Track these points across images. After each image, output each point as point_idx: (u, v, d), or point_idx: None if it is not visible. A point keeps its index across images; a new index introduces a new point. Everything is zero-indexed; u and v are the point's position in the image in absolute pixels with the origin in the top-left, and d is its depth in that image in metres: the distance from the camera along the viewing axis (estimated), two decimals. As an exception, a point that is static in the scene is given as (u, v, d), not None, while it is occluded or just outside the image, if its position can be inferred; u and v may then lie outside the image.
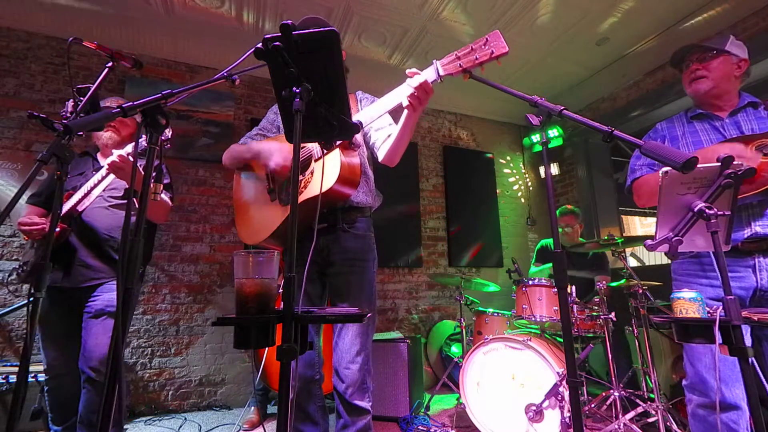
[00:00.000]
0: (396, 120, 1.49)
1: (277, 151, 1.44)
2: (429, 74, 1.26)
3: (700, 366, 1.31)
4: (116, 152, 1.53)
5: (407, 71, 1.28)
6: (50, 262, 1.65)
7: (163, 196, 1.77)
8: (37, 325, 1.66)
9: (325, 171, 1.34)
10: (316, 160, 1.41)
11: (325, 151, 1.39)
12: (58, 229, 1.63)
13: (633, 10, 3.13)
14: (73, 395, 1.61)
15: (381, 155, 1.54)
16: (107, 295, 1.65)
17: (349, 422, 1.40)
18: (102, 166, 1.69)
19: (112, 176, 1.61)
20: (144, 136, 1.47)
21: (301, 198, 1.38)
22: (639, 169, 1.56)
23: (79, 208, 1.68)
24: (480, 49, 1.17)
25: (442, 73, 1.25)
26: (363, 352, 1.44)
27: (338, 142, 1.36)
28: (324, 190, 1.30)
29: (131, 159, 1.51)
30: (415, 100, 1.27)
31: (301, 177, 1.43)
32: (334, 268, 1.49)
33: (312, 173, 1.40)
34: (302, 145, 1.46)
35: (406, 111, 1.36)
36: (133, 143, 1.54)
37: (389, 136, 1.51)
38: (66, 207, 1.67)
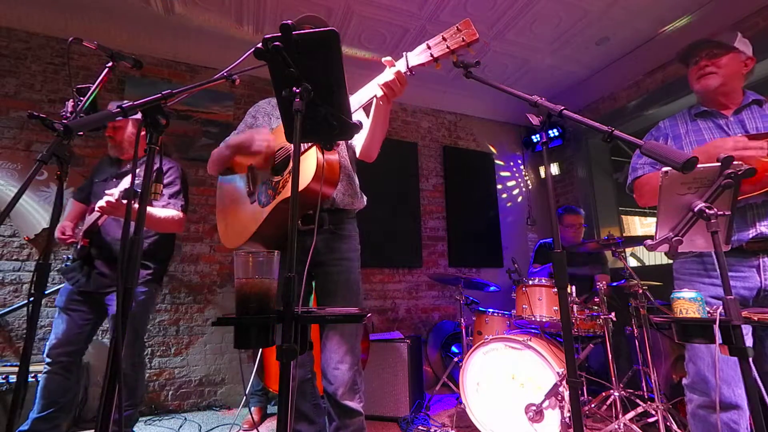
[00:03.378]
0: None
1: (255, 136, 1.43)
2: (401, 66, 1.27)
3: (702, 365, 1.31)
4: (106, 197, 1.57)
5: (383, 60, 1.28)
6: (77, 267, 1.85)
7: (169, 211, 1.83)
8: (61, 314, 1.81)
9: (301, 169, 1.32)
10: None
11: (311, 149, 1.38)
12: (82, 243, 1.82)
13: (633, 9, 3.14)
14: (59, 386, 1.74)
15: (358, 150, 1.55)
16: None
17: (342, 425, 1.37)
18: (122, 172, 1.89)
19: (123, 186, 1.67)
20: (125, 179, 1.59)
21: (280, 198, 1.37)
22: (641, 168, 1.55)
23: (100, 222, 1.81)
24: (451, 37, 1.18)
25: (412, 63, 1.25)
26: (352, 351, 1.40)
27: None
28: (300, 189, 1.28)
29: (123, 202, 1.56)
30: (388, 89, 1.27)
31: (279, 177, 1.43)
32: (322, 268, 1.48)
33: (290, 172, 1.38)
34: (280, 145, 1.47)
35: (375, 103, 1.36)
36: (128, 180, 1.61)
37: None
38: (87, 224, 1.83)
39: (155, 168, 0.97)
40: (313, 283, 1.54)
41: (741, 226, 1.32)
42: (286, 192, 1.36)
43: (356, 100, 1.37)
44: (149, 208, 1.71)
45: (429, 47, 1.22)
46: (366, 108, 1.41)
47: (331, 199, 1.49)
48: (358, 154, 1.56)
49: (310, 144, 1.34)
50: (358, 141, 1.54)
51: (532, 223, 4.73)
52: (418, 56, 1.25)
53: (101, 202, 1.57)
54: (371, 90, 1.33)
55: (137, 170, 1.57)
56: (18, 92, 2.96)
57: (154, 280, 1.93)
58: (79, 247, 1.83)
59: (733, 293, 0.95)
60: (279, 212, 1.40)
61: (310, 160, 1.33)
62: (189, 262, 3.17)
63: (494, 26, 3.31)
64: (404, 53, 1.27)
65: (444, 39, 1.19)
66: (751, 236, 1.30)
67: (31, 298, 1.01)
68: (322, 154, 1.34)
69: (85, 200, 2.03)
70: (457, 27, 1.17)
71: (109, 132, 1.89)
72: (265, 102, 1.74)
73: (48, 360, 1.74)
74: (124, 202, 1.55)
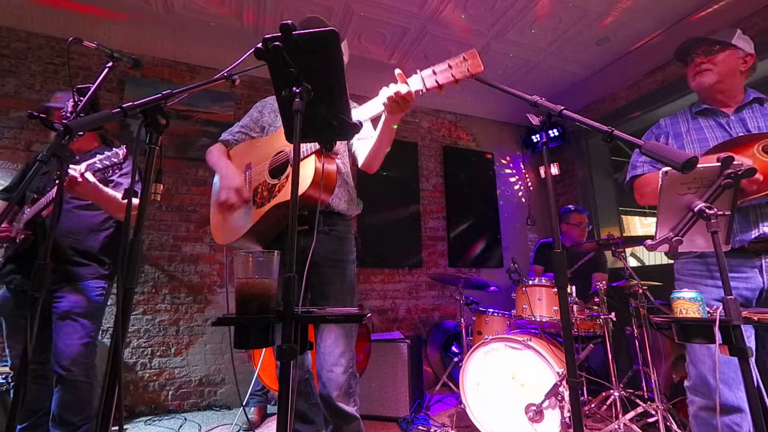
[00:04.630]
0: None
1: (224, 183, 1.48)
2: (415, 84, 1.27)
3: (702, 368, 1.30)
4: (71, 171, 1.44)
5: (396, 72, 1.27)
6: (14, 266, 1.67)
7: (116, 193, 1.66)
8: (9, 325, 1.66)
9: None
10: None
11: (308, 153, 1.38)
12: (22, 236, 1.64)
13: (633, 9, 3.13)
14: (38, 393, 1.64)
15: (360, 160, 1.55)
16: (72, 296, 1.67)
17: (337, 430, 1.36)
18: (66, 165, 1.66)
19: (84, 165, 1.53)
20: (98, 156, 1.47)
21: (275, 201, 1.39)
22: (641, 166, 1.54)
23: (44, 213, 1.65)
24: (457, 66, 1.21)
25: (416, 87, 1.26)
26: (347, 353, 1.38)
27: (314, 149, 1.36)
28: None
29: (89, 179, 1.45)
30: (393, 103, 1.25)
31: (276, 181, 1.44)
32: (316, 269, 1.46)
33: (287, 177, 1.40)
34: (281, 149, 1.48)
35: (384, 116, 1.36)
36: (89, 159, 1.47)
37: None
38: (29, 214, 1.64)
39: (156, 169, 0.97)
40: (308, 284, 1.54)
41: (744, 227, 1.31)
42: (282, 196, 1.37)
43: (365, 111, 1.36)
44: (114, 194, 1.60)
45: (435, 73, 1.24)
46: (374, 121, 1.42)
47: (326, 203, 1.50)
48: (360, 164, 1.56)
49: (309, 152, 1.36)
50: (362, 151, 1.54)
51: (532, 223, 4.73)
52: (427, 79, 1.25)
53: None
54: (379, 104, 1.32)
55: (99, 157, 1.47)
56: (18, 92, 2.96)
57: (110, 277, 1.77)
58: (18, 241, 1.64)
59: (736, 294, 0.94)
60: (273, 215, 1.42)
61: (309, 168, 1.34)
62: (189, 262, 3.17)
63: (494, 26, 3.31)
64: (417, 70, 1.26)
65: (450, 67, 1.22)
66: (753, 237, 1.29)
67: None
68: (321, 163, 1.36)
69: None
70: (463, 56, 1.19)
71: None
72: (272, 98, 1.74)
73: (14, 372, 1.64)
74: (90, 179, 1.45)
